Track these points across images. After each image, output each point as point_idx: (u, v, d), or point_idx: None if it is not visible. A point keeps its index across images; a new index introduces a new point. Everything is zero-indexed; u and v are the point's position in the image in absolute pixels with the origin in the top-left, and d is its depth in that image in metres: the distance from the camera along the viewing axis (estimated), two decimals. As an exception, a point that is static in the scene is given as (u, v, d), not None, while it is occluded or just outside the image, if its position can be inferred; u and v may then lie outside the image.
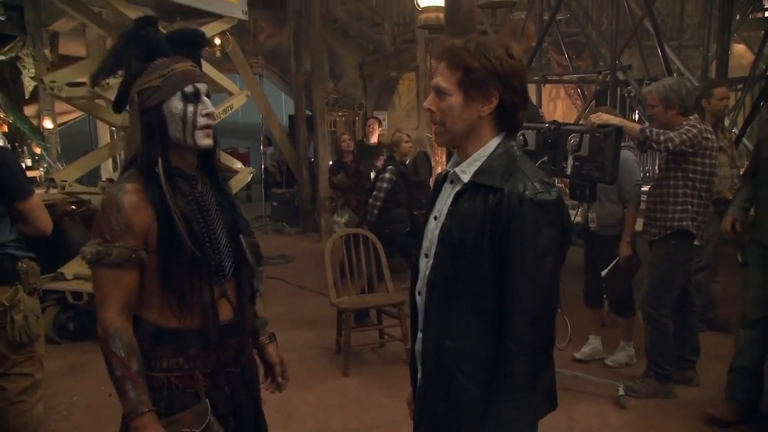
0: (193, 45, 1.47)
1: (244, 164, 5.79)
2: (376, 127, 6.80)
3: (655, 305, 3.15)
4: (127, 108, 1.46)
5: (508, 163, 1.33)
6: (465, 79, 1.31)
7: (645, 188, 3.50)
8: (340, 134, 6.65)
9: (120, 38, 1.41)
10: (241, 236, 1.50)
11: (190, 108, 1.40)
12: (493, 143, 1.36)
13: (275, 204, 9.55)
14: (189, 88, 1.40)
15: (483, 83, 1.30)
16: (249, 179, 5.59)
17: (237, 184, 5.47)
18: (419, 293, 1.45)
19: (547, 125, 2.74)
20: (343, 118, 8.92)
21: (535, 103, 6.75)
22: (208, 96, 1.45)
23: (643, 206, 3.39)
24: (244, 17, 5.45)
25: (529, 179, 1.29)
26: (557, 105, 9.55)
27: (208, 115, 1.42)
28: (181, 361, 1.40)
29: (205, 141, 1.43)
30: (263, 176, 9.51)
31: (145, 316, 1.39)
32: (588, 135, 2.53)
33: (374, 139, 6.77)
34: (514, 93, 1.32)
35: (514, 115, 1.35)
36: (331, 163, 7.19)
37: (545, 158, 2.69)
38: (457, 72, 1.32)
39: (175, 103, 1.39)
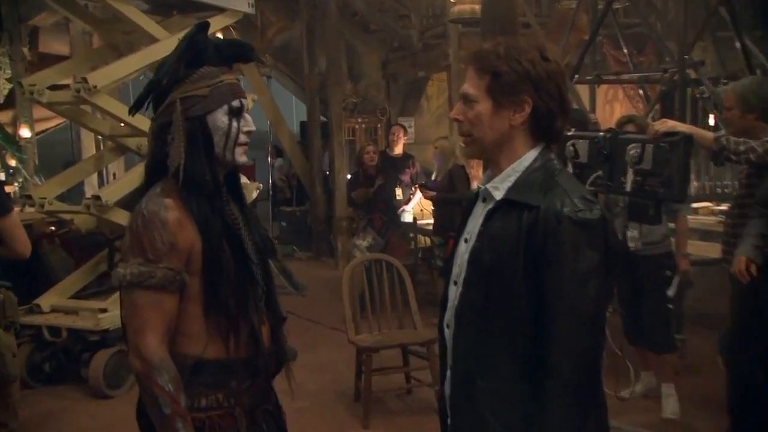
0: (241, 58, 1.60)
1: (249, 178, 5.88)
2: (401, 135, 6.86)
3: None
4: (143, 112, 1.60)
5: (545, 177, 1.38)
6: (494, 84, 1.38)
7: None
8: (364, 144, 6.63)
9: (185, 40, 1.54)
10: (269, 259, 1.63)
11: (234, 123, 1.53)
12: (529, 156, 1.41)
13: (284, 224, 9.63)
14: (236, 103, 1.54)
15: (513, 88, 1.36)
16: (255, 196, 5.67)
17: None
18: (447, 326, 1.48)
19: (602, 133, 2.74)
20: (363, 126, 9.01)
21: (587, 107, 6.73)
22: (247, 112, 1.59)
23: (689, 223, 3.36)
24: (250, 10, 5.55)
25: (568, 195, 1.33)
26: (614, 109, 9.50)
27: (248, 133, 1.57)
28: (221, 397, 1.48)
29: (243, 158, 1.57)
30: (270, 192, 9.60)
31: (182, 348, 1.46)
32: (651, 145, 2.52)
33: (399, 149, 6.83)
34: (549, 99, 1.38)
35: (551, 123, 1.40)
36: (349, 176, 7.25)
37: (600, 172, 2.69)
38: (485, 77, 1.39)
39: (221, 116, 1.52)
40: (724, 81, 5.65)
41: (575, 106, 6.33)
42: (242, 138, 1.55)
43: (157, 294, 1.40)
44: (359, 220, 6.28)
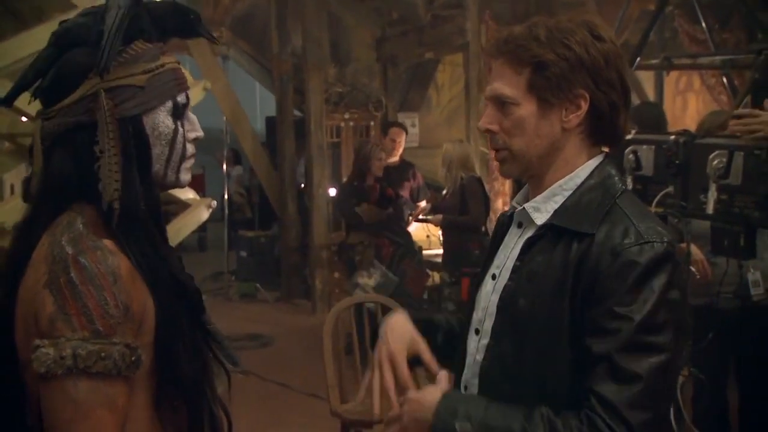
0: (182, 30, 1.54)
1: (197, 192, 5.87)
2: (403, 139, 6.86)
3: None
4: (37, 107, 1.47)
5: (603, 198, 1.42)
6: (537, 79, 1.41)
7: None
8: (371, 148, 6.43)
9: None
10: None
11: (180, 129, 1.48)
12: (584, 170, 1.46)
13: (244, 254, 9.65)
14: (182, 98, 1.48)
15: (565, 81, 1.40)
16: (206, 217, 5.65)
17: (187, 224, 5.52)
18: (466, 387, 1.52)
19: (673, 137, 2.75)
20: (352, 123, 9.04)
21: (653, 100, 6.78)
22: None
23: None
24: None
25: (632, 222, 1.37)
26: (689, 102, 9.57)
27: (195, 141, 1.51)
28: None
29: (188, 177, 1.52)
30: (226, 211, 9.61)
31: None
32: (741, 152, 2.53)
33: (397, 155, 6.83)
34: (611, 89, 1.42)
35: (614, 122, 1.45)
36: (335, 191, 7.21)
37: (670, 189, 2.70)
38: (524, 71, 1.42)
39: (163, 118, 1.46)
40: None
41: (636, 99, 6.38)
42: (189, 149, 1.50)
43: (110, 385, 1.29)
44: (363, 249, 6.16)
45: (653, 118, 4.52)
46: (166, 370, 1.39)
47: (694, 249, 3.19)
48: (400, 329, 1.59)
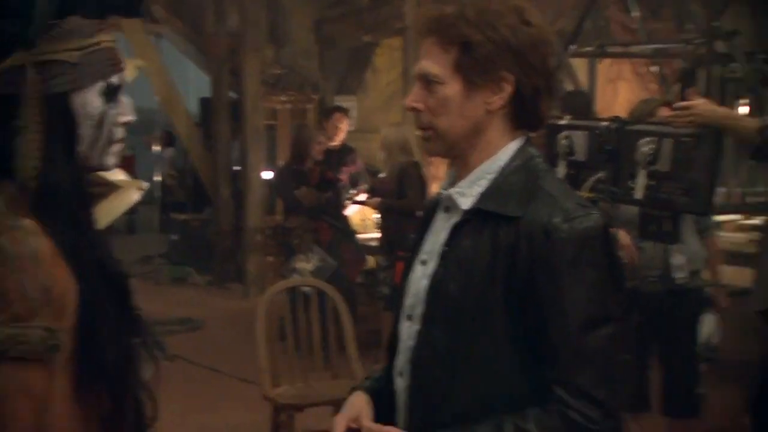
0: (120, 8, 1.52)
1: (128, 174, 5.77)
2: (345, 125, 6.84)
3: None
4: None
5: (527, 180, 1.44)
6: (465, 59, 1.42)
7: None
8: (310, 132, 6.46)
9: None
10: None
11: (111, 111, 1.44)
12: (507, 152, 1.47)
13: (175, 237, 9.58)
14: (116, 79, 1.44)
15: (491, 63, 1.41)
16: (137, 199, 5.57)
17: (116, 207, 5.43)
18: (400, 375, 1.52)
19: (605, 123, 2.79)
20: (289, 106, 8.98)
21: (586, 87, 6.88)
22: None
23: None
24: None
25: (557, 201, 1.40)
26: (619, 90, 9.74)
27: (125, 125, 1.47)
28: None
29: (113, 161, 1.48)
30: (158, 193, 9.48)
31: None
32: (670, 139, 2.58)
33: (338, 140, 6.81)
34: (535, 74, 1.43)
35: (536, 106, 1.46)
36: (274, 174, 7.15)
37: (601, 174, 2.74)
38: (451, 50, 1.43)
39: (92, 99, 1.42)
40: (763, 57, 5.85)
41: (569, 86, 6.46)
42: (118, 133, 1.46)
43: (28, 370, 1.27)
44: (301, 234, 6.09)
45: (583, 105, 4.59)
46: (88, 355, 1.36)
47: (622, 234, 3.25)
48: (351, 403, 1.59)
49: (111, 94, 1.43)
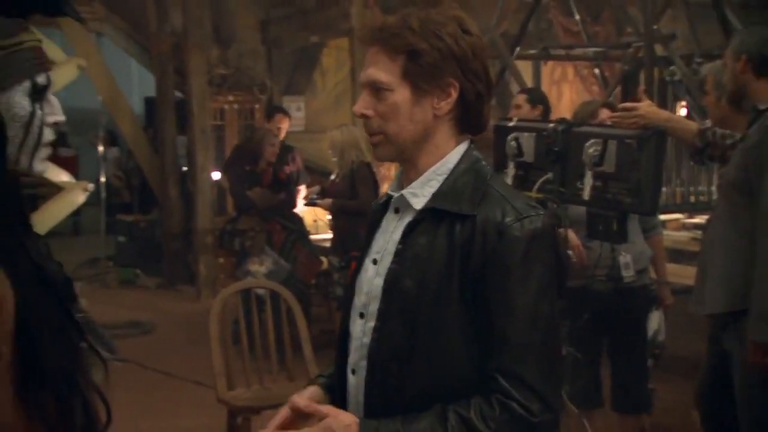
0: (46, 6, 1.46)
1: (72, 175, 5.65)
2: (286, 123, 6.84)
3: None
4: None
5: (476, 181, 1.53)
6: (411, 66, 1.48)
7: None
8: (262, 133, 6.40)
9: None
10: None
11: (38, 111, 1.41)
12: (454, 156, 1.55)
13: (122, 239, 9.44)
14: (42, 79, 1.42)
15: (437, 70, 1.48)
16: (82, 201, 5.46)
17: (61, 209, 5.32)
18: (353, 371, 1.58)
19: (551, 125, 2.85)
20: (236, 106, 8.93)
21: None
22: None
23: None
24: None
25: (507, 202, 1.49)
26: (563, 92, 9.89)
27: (55, 125, 1.45)
28: None
29: (42, 166, 1.45)
30: (104, 194, 9.31)
31: None
32: (615, 141, 2.64)
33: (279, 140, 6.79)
34: (477, 80, 1.51)
35: (479, 110, 1.55)
36: (224, 174, 7.08)
37: (549, 175, 2.80)
38: (398, 58, 1.49)
39: (19, 99, 1.39)
40: (699, 60, 6.02)
41: (515, 87, 6.54)
42: (47, 135, 1.44)
43: None
44: (254, 235, 6.06)
45: (545, 98, 4.68)
46: (30, 361, 1.32)
47: (570, 234, 3.30)
48: (306, 392, 1.67)
49: (38, 93, 1.41)
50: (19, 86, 1.39)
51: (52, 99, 1.44)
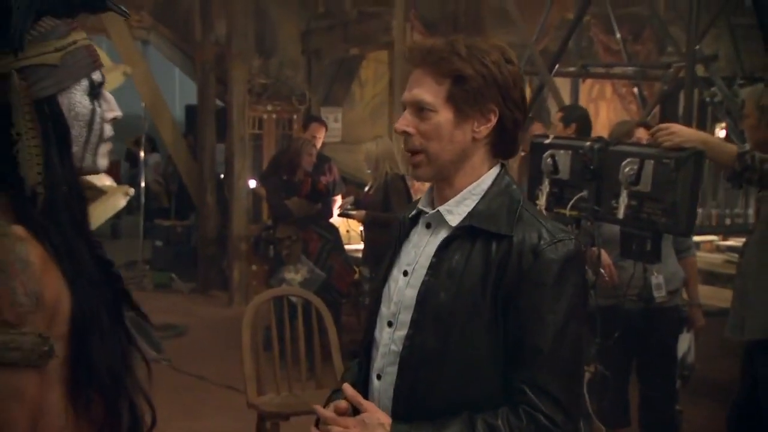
0: (89, 4, 1.46)
1: (114, 180, 5.73)
2: (322, 133, 6.86)
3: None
4: None
5: (511, 203, 1.60)
6: (456, 90, 1.56)
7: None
8: (302, 142, 6.40)
9: None
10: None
11: (98, 108, 1.42)
12: (488, 178, 1.63)
13: (159, 243, 9.51)
14: (97, 76, 1.42)
15: (480, 95, 1.55)
16: (123, 204, 5.53)
17: (103, 212, 5.39)
18: (378, 376, 1.64)
19: (589, 143, 2.85)
20: (275, 116, 8.97)
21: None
22: None
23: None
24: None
25: (542, 225, 1.57)
26: (600, 110, 9.84)
27: (113, 121, 1.45)
28: None
29: (105, 162, 1.46)
30: (142, 199, 9.41)
31: None
32: (652, 161, 2.64)
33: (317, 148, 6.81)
34: (515, 107, 1.59)
35: (514, 137, 1.63)
36: (253, 183, 7.14)
37: (584, 193, 2.80)
38: (444, 81, 1.56)
39: (79, 98, 1.39)
40: (741, 82, 5.95)
41: (554, 104, 6.52)
42: (107, 130, 1.44)
43: (20, 376, 1.25)
44: (291, 244, 6.04)
45: (585, 116, 4.64)
46: (81, 361, 1.34)
47: (602, 253, 3.29)
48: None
49: (95, 91, 1.42)
50: (78, 85, 1.39)
51: (108, 95, 1.45)
